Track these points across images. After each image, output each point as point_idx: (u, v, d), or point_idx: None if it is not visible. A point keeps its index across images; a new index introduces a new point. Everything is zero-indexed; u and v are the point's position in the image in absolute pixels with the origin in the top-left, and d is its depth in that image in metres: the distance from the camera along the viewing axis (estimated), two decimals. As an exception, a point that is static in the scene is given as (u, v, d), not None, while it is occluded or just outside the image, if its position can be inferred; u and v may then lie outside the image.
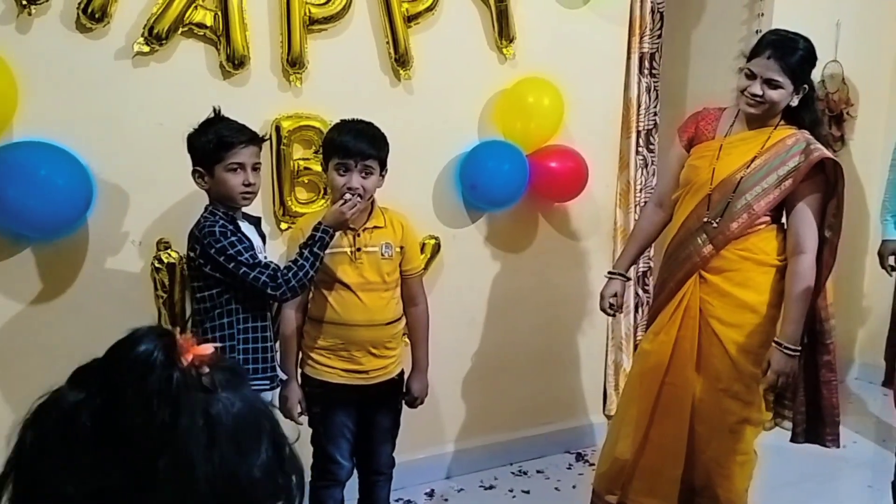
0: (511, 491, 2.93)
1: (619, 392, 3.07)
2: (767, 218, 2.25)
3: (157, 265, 2.31)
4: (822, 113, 2.33)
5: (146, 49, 2.22)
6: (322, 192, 2.50)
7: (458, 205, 2.82)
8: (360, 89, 2.53)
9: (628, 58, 3.12)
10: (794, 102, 2.22)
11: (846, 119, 3.69)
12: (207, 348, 0.71)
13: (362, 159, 2.11)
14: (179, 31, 2.25)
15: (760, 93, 2.18)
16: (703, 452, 2.33)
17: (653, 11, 3.18)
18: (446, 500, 2.86)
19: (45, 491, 0.67)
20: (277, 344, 2.18)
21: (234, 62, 2.32)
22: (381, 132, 2.17)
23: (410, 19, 2.55)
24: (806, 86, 2.24)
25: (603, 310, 2.53)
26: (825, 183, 2.20)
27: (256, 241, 2.07)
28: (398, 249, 2.24)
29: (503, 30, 2.71)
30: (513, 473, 3.05)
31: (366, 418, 2.29)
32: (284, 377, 2.19)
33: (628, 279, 2.60)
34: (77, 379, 0.70)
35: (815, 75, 3.57)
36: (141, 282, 2.30)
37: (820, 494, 2.98)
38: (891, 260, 3.12)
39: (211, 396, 0.69)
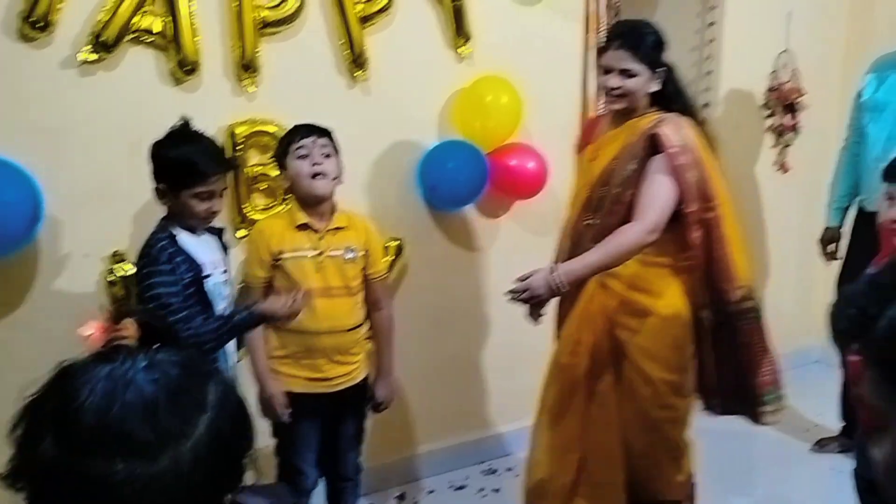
0: (482, 490, 2.93)
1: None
2: None
3: (111, 279, 2.25)
4: (687, 94, 2.26)
5: (93, 57, 2.16)
6: (280, 198, 2.46)
7: (419, 206, 2.80)
8: (315, 92, 2.50)
9: (585, 54, 3.12)
10: (655, 87, 2.17)
11: (799, 108, 3.74)
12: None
13: (319, 137, 2.12)
14: (127, 39, 2.19)
15: (618, 84, 2.14)
16: (633, 456, 2.31)
17: (608, 6, 3.19)
18: (416, 502, 2.85)
19: None
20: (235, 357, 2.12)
21: (185, 68, 2.27)
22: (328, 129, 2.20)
23: (365, 20, 2.52)
24: (664, 68, 2.20)
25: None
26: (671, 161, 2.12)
27: (214, 254, 2.00)
28: (362, 253, 2.21)
29: (459, 28, 2.70)
30: (483, 472, 3.05)
31: (331, 426, 2.26)
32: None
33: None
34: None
35: (768, 66, 3.69)
36: (95, 296, 2.24)
37: (784, 479, 3.03)
38: (831, 247, 3.16)
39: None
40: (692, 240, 2.15)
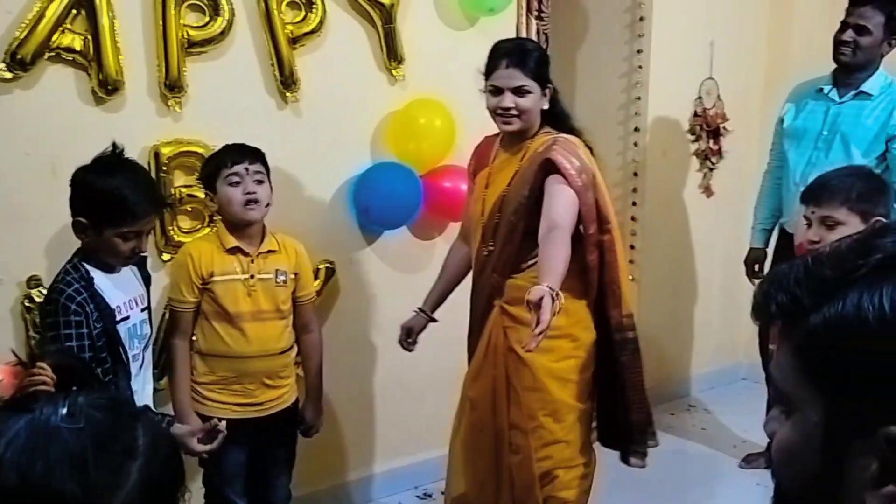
0: (416, 515, 2.89)
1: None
2: None
3: (27, 305, 2.15)
4: (571, 113, 2.25)
5: (8, 76, 2.08)
6: (207, 219, 2.40)
7: (352, 228, 2.78)
8: (244, 113, 2.46)
9: (516, 77, 3.16)
10: (546, 105, 2.13)
11: (723, 133, 3.87)
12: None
13: (251, 163, 2.08)
14: (46, 57, 2.12)
15: (512, 104, 2.07)
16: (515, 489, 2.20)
17: (538, 33, 3.24)
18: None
19: None
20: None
21: (108, 87, 2.20)
22: (257, 148, 2.16)
23: (295, 41, 2.50)
24: (550, 86, 2.14)
25: (399, 342, 2.45)
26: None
27: (132, 291, 1.89)
28: (292, 276, 2.19)
29: (391, 51, 2.70)
30: (417, 497, 3.02)
31: (260, 451, 2.21)
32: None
33: (431, 319, 2.44)
34: None
35: (693, 92, 3.81)
36: (8, 323, 2.14)
37: (711, 495, 3.08)
38: (755, 268, 3.26)
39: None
40: (589, 262, 2.13)
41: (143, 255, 1.94)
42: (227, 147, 2.13)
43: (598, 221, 2.12)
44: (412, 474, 3.05)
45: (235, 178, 2.05)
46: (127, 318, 1.83)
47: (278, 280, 2.14)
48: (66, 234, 2.01)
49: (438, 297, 2.44)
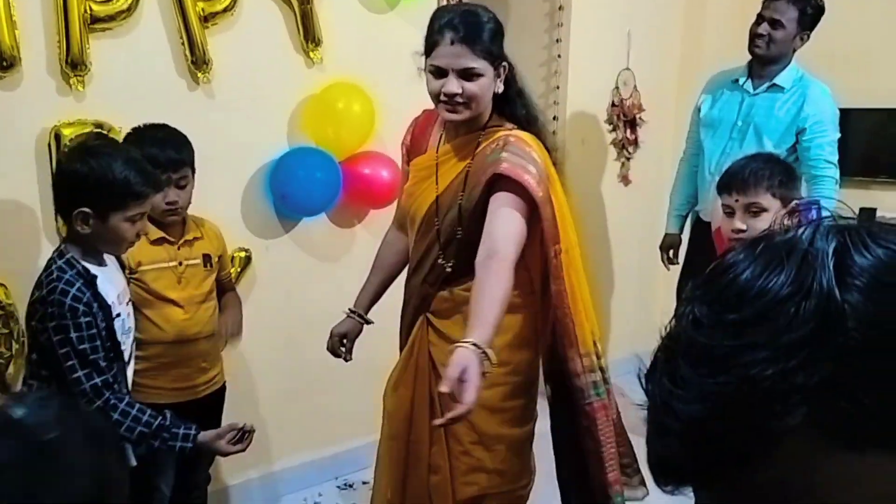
0: (337, 506, 2.85)
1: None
2: None
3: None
4: (528, 95, 1.89)
5: None
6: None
7: (269, 214, 2.70)
8: (152, 93, 2.34)
9: (437, 63, 3.13)
10: (500, 88, 1.79)
11: (639, 123, 3.95)
12: None
13: (174, 171, 1.99)
14: (-69, 28, 1.97)
15: (458, 90, 1.71)
16: None
17: (459, 18, 3.22)
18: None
19: None
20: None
21: (2, 63, 2.06)
22: (183, 134, 2.06)
23: (207, 19, 2.39)
24: (505, 63, 1.79)
25: (329, 350, 2.16)
26: (526, 193, 1.73)
27: (119, 284, 1.83)
28: (216, 260, 2.21)
29: (308, 32, 2.62)
30: (339, 487, 2.97)
31: None
32: None
33: (365, 321, 2.14)
34: None
35: (610, 83, 3.86)
36: None
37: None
38: (670, 253, 3.35)
39: None
40: (553, 291, 1.82)
41: None
42: (151, 139, 1.97)
43: (551, 240, 1.80)
44: (333, 465, 3.00)
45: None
46: (118, 314, 1.75)
47: (206, 265, 2.16)
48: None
49: (372, 296, 2.14)
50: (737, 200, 1.91)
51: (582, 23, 3.61)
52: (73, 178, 1.65)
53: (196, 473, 2.25)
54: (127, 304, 1.84)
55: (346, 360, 2.16)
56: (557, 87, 3.65)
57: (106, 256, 1.79)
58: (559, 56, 3.62)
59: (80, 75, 2.19)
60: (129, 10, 2.25)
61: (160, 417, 1.71)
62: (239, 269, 2.59)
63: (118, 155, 1.68)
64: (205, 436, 1.76)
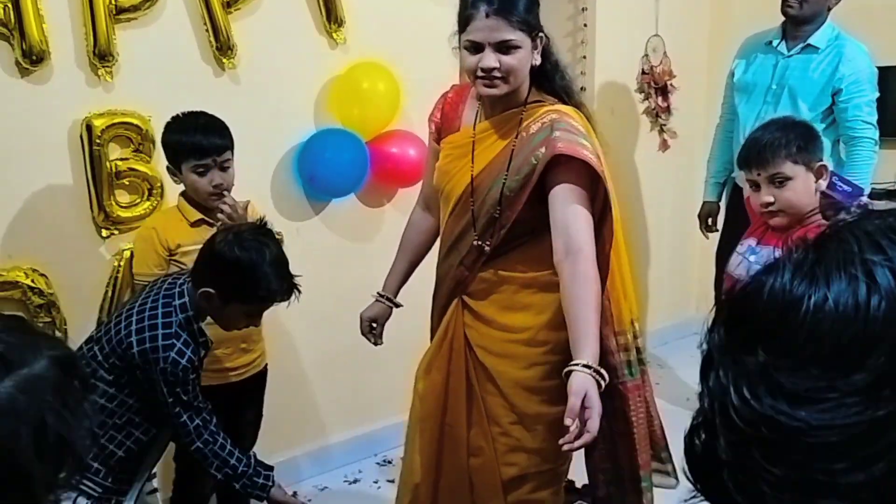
0: (376, 482, 2.89)
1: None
2: (531, 227, 1.79)
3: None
4: (564, 67, 1.84)
5: (-78, 47, 1.96)
6: (146, 193, 2.32)
7: (299, 197, 2.72)
8: (180, 81, 2.37)
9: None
10: (538, 60, 1.74)
11: (671, 90, 3.88)
12: None
13: (219, 155, 2.04)
14: (-38, 26, 2.01)
15: (496, 64, 1.67)
16: None
17: (483, -9, 3.18)
18: (310, 500, 2.78)
19: None
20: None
21: (32, 58, 2.10)
22: (220, 119, 2.10)
23: (230, 4, 2.41)
24: (542, 34, 1.73)
25: (363, 334, 2.16)
26: (587, 172, 1.70)
27: None
28: None
29: (331, 13, 2.62)
30: (377, 464, 3.02)
31: (230, 416, 2.20)
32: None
33: (395, 304, 2.12)
34: None
35: (639, 50, 3.80)
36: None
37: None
38: (709, 221, 3.30)
39: None
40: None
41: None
42: (194, 126, 2.05)
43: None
44: (371, 441, 3.04)
45: (201, 169, 2.05)
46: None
47: None
48: (9, 222, 1.92)
49: (400, 279, 2.11)
50: (759, 174, 1.86)
51: (607, -2, 3.54)
52: (222, 261, 1.74)
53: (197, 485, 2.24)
54: None
55: (377, 345, 2.14)
56: (584, 57, 3.60)
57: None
58: (585, 25, 3.57)
59: (108, 66, 2.22)
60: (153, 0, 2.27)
61: (244, 463, 1.80)
62: (271, 252, 2.62)
63: (267, 249, 1.76)
64: (278, 493, 1.84)
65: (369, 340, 2.15)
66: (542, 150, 1.70)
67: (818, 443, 0.45)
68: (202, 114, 2.09)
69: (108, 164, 2.25)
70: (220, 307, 1.74)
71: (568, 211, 1.68)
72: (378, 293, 2.13)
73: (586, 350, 1.56)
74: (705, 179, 3.33)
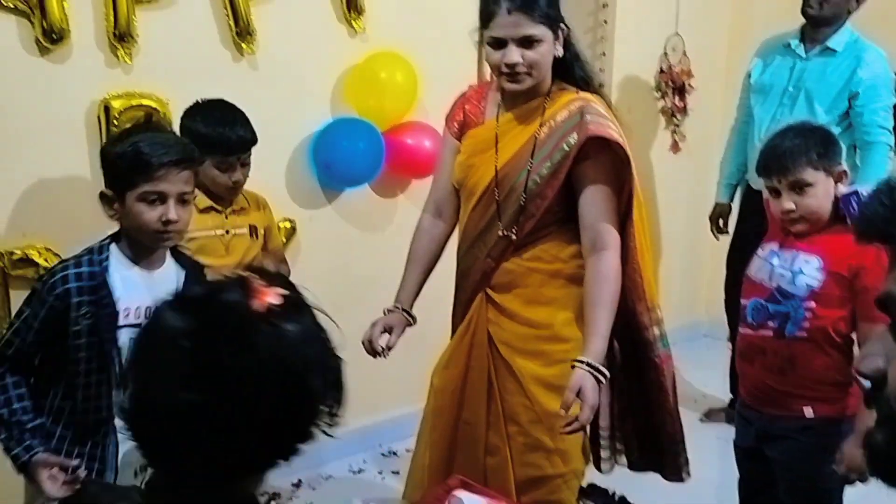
0: (380, 473, 2.90)
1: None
2: (557, 216, 1.81)
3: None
4: (585, 57, 1.88)
5: (-57, 22, 1.96)
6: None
7: (313, 185, 2.72)
8: (198, 64, 2.37)
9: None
10: (559, 52, 1.76)
11: (688, 90, 3.85)
12: (277, 296, 0.86)
13: (244, 151, 2.06)
14: (-16, 3, 2.01)
15: (520, 59, 1.69)
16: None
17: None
18: (314, 488, 2.79)
19: (151, 396, 0.84)
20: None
21: (52, 36, 2.10)
22: (244, 113, 2.10)
23: (251, -11, 2.40)
24: (563, 25, 1.76)
25: (365, 342, 2.03)
26: (614, 162, 1.76)
27: (157, 292, 1.61)
28: (262, 231, 2.22)
29: (351, 1, 2.61)
30: (382, 455, 3.02)
31: None
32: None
33: (411, 319, 2.03)
34: (177, 307, 0.86)
35: (659, 49, 3.78)
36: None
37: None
38: (720, 223, 3.28)
39: (278, 330, 0.85)
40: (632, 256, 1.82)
41: (199, 263, 1.76)
42: (222, 120, 2.04)
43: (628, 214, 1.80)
44: (377, 432, 3.05)
45: (225, 165, 2.06)
46: (138, 325, 1.58)
47: (253, 235, 2.18)
48: (10, 190, 1.93)
49: (415, 290, 2.03)
50: (780, 181, 1.83)
51: (627, -9, 3.52)
52: (102, 159, 1.60)
53: None
54: None
55: (384, 357, 2.01)
56: (604, 54, 3.58)
57: (170, 262, 1.67)
58: (605, 22, 3.55)
59: (127, 47, 2.22)
60: (174, -18, 2.27)
61: (26, 416, 1.56)
62: (283, 240, 2.62)
63: (144, 132, 1.59)
64: (43, 459, 1.52)
65: (375, 350, 2.00)
66: (574, 135, 1.73)
67: None
68: (228, 105, 2.09)
69: (125, 146, 2.25)
70: (121, 209, 1.56)
71: (596, 208, 1.75)
72: (393, 305, 2.04)
73: (591, 348, 1.68)
74: (718, 181, 3.31)
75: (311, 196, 2.72)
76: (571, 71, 1.83)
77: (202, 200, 2.11)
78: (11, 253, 2.11)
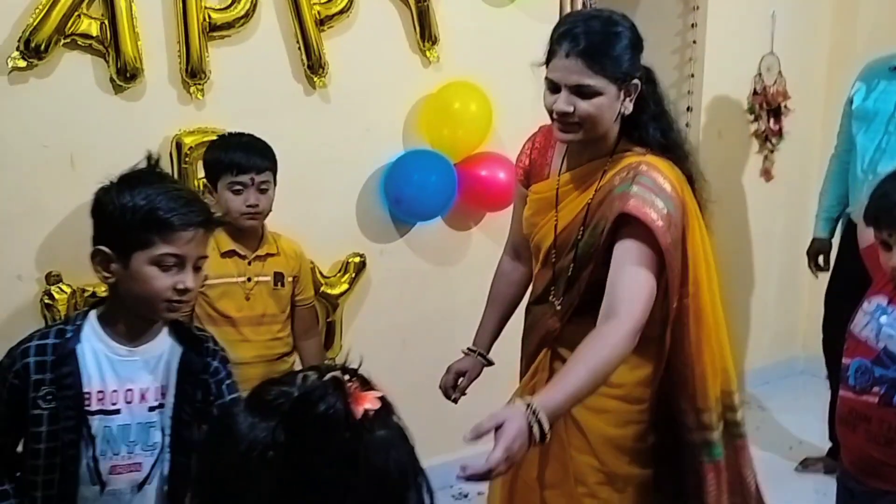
0: (451, 516, 2.80)
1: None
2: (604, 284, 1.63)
3: (47, 301, 2.09)
4: (669, 115, 1.67)
5: (22, 64, 2.00)
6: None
7: (384, 218, 2.66)
8: (270, 99, 2.35)
9: (560, 57, 2.98)
10: (628, 109, 1.58)
11: (784, 113, 3.63)
12: (375, 400, 0.80)
13: (258, 173, 1.99)
14: (61, 43, 2.04)
15: (569, 108, 1.52)
16: None
17: (584, 7, 3.05)
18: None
19: None
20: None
21: (126, 75, 2.11)
22: (265, 142, 2.06)
23: (323, 22, 2.37)
24: (636, 81, 1.57)
25: (441, 388, 1.98)
26: (655, 241, 1.54)
27: (148, 379, 1.38)
28: (290, 279, 2.13)
29: (425, 31, 2.55)
30: (453, 497, 2.92)
31: None
32: None
33: (488, 361, 1.96)
34: (257, 413, 0.78)
35: (752, 69, 3.57)
36: (28, 319, 2.08)
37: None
38: (820, 259, 3.04)
39: (376, 439, 0.79)
40: (669, 340, 1.64)
41: (201, 337, 1.49)
42: (236, 144, 2.03)
43: (680, 283, 1.60)
44: (447, 473, 2.93)
45: (238, 187, 2.00)
46: (114, 412, 1.36)
47: (276, 284, 2.10)
48: (87, 229, 1.93)
49: (492, 333, 1.96)
50: (890, 235, 1.64)
51: (721, 4, 3.35)
52: (99, 210, 1.34)
53: None
54: (151, 409, 1.39)
55: (455, 402, 1.97)
56: (692, 76, 3.41)
57: (164, 336, 1.41)
58: (694, 42, 3.38)
59: (199, 84, 2.22)
60: (247, 17, 2.25)
61: None
62: (353, 275, 2.57)
63: (154, 183, 1.34)
64: None
65: (448, 396, 1.98)
66: (617, 203, 1.56)
67: None
68: (246, 134, 2.07)
69: (196, 181, 2.24)
70: (122, 270, 1.31)
71: (621, 270, 1.53)
72: (469, 348, 1.97)
73: (548, 395, 1.36)
74: (816, 214, 3.07)
75: (382, 230, 2.67)
76: (644, 132, 1.63)
77: (224, 242, 2.03)
78: (83, 290, 2.12)
